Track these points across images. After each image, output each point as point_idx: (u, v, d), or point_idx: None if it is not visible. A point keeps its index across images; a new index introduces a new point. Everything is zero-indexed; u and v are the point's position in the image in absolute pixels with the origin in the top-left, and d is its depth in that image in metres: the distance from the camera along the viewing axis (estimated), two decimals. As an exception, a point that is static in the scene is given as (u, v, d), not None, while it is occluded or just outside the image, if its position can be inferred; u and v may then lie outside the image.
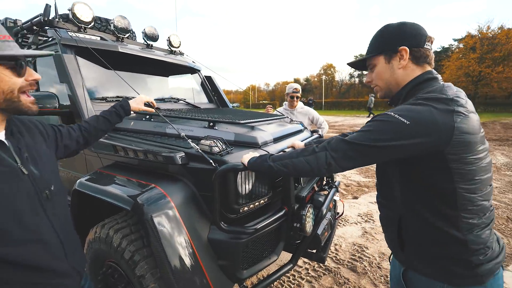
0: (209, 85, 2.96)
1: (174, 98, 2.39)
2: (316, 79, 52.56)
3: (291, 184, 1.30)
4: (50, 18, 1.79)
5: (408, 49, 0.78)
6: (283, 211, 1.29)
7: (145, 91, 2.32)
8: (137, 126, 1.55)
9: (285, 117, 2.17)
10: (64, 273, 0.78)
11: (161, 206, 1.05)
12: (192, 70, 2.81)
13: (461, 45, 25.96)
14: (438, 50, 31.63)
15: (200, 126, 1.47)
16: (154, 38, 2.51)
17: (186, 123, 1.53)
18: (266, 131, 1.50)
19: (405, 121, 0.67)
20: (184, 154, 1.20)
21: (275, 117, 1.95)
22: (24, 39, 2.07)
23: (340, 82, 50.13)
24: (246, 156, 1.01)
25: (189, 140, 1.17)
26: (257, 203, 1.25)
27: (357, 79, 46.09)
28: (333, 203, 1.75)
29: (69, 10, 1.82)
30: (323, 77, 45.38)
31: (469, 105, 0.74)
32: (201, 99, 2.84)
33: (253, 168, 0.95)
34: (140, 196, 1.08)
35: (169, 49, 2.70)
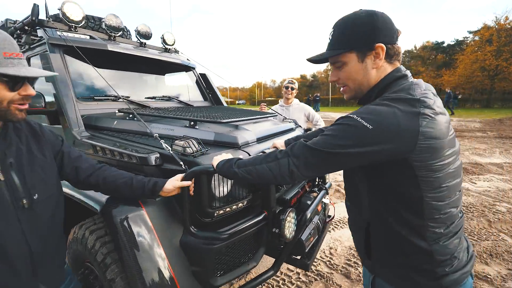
0: (204, 83, 2.93)
1: (166, 96, 2.37)
2: (323, 75, 51.58)
3: (271, 187, 1.24)
4: (40, 18, 1.80)
5: (385, 47, 0.70)
6: (263, 215, 1.24)
7: (138, 89, 2.31)
8: (120, 126, 1.53)
9: (275, 115, 2.10)
10: (21, 287, 0.75)
11: (129, 209, 1.02)
12: (186, 68, 2.78)
13: (476, 38, 24.67)
14: (452, 43, 30.20)
15: (181, 126, 1.44)
16: (147, 36, 2.49)
17: (169, 122, 1.50)
18: (249, 131, 1.45)
19: (368, 125, 0.62)
20: (159, 155, 1.17)
21: (264, 116, 1.89)
22: (19, 39, 2.10)
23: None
24: (216, 158, 0.96)
25: (162, 141, 1.13)
26: (234, 207, 1.20)
27: (368, 76, 44.65)
28: (323, 206, 1.68)
29: (59, 9, 1.83)
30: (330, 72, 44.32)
31: (437, 105, 0.68)
32: (196, 97, 2.81)
33: (220, 173, 0.90)
34: (109, 198, 1.05)
35: (163, 47, 2.68)
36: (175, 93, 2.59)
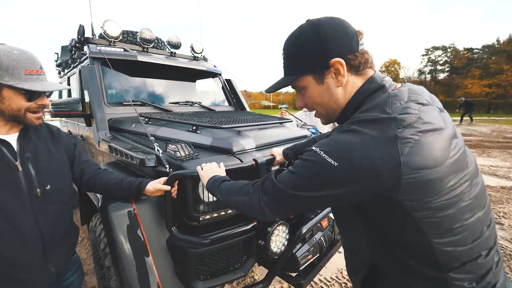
0: (229, 88, 3.02)
1: (189, 102, 2.52)
2: (376, 77, 47.82)
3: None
4: (86, 36, 2.13)
5: (343, 61, 0.58)
6: (251, 225, 1.19)
7: (166, 95, 2.52)
8: (136, 128, 1.69)
9: (289, 121, 2.01)
10: (33, 268, 0.83)
11: (121, 205, 1.11)
12: (212, 75, 2.91)
13: None
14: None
15: (185, 130, 1.51)
16: (177, 46, 2.70)
17: (176, 127, 1.58)
18: (250, 137, 1.43)
19: (332, 162, 0.51)
20: (155, 157, 1.24)
21: (277, 122, 1.83)
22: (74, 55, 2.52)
23: (406, 80, 44.11)
24: (199, 169, 0.95)
25: (156, 144, 1.20)
26: (222, 213, 1.19)
27: (428, 76, 39.63)
28: (330, 223, 1.53)
29: (101, 27, 2.13)
30: (383, 74, 40.79)
31: (427, 119, 0.52)
32: (222, 102, 2.92)
33: (209, 192, 0.87)
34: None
35: (192, 55, 2.87)
36: (202, 98, 2.74)
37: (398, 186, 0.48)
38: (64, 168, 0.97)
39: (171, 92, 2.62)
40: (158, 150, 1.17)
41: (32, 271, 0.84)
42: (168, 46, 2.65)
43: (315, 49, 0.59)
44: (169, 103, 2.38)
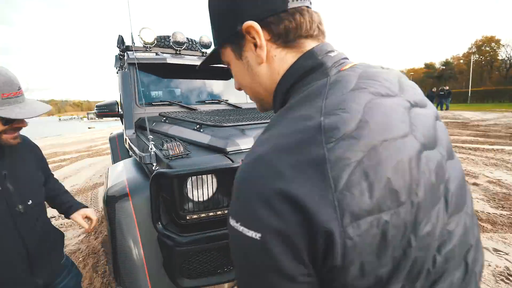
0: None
1: (216, 100, 2.57)
2: (462, 61, 38.88)
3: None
4: (127, 45, 2.41)
5: (257, 26, 0.40)
6: (238, 230, 1.12)
7: (195, 94, 2.65)
8: (155, 127, 1.82)
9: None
10: (18, 283, 0.83)
11: (120, 199, 1.21)
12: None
13: None
14: None
15: (191, 129, 1.53)
16: (208, 45, 2.79)
17: (187, 126, 1.63)
18: (248, 136, 1.35)
19: (252, 234, 0.30)
20: (155, 155, 1.30)
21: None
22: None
23: (509, 61, 34.31)
24: None
25: (151, 143, 1.25)
26: (211, 214, 1.16)
27: (545, 54, 29.62)
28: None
29: (138, 35, 2.38)
30: (473, 57, 32.43)
31: (374, 121, 0.31)
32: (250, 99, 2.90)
33: None
34: (110, 189, 1.29)
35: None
36: (233, 96, 2.77)
37: (333, 249, 0.27)
38: (40, 180, 0.99)
39: (201, 91, 2.73)
40: (151, 149, 1.22)
41: (18, 286, 0.85)
42: (199, 47, 2.76)
43: (225, 9, 0.44)
44: (196, 101, 2.49)
